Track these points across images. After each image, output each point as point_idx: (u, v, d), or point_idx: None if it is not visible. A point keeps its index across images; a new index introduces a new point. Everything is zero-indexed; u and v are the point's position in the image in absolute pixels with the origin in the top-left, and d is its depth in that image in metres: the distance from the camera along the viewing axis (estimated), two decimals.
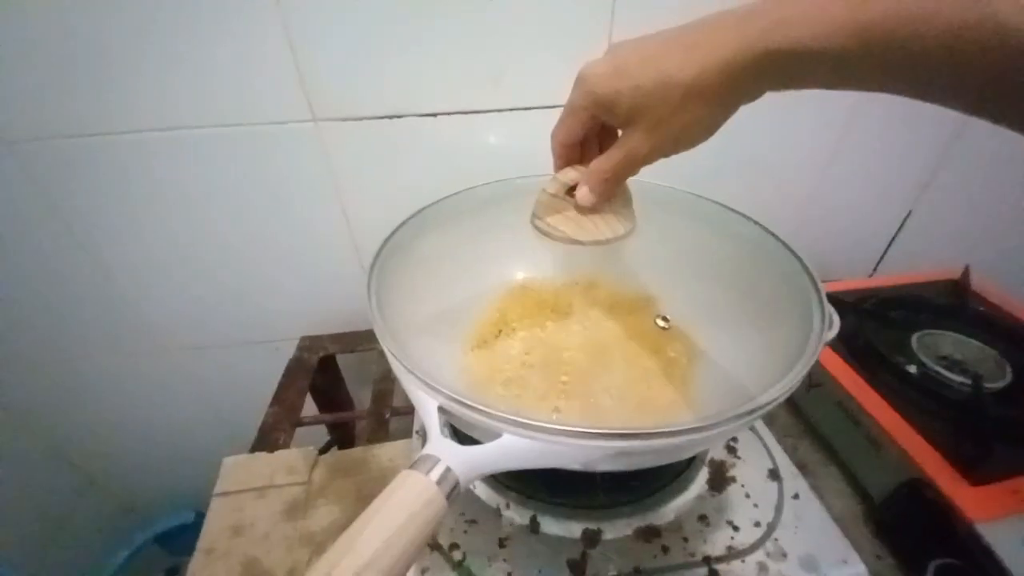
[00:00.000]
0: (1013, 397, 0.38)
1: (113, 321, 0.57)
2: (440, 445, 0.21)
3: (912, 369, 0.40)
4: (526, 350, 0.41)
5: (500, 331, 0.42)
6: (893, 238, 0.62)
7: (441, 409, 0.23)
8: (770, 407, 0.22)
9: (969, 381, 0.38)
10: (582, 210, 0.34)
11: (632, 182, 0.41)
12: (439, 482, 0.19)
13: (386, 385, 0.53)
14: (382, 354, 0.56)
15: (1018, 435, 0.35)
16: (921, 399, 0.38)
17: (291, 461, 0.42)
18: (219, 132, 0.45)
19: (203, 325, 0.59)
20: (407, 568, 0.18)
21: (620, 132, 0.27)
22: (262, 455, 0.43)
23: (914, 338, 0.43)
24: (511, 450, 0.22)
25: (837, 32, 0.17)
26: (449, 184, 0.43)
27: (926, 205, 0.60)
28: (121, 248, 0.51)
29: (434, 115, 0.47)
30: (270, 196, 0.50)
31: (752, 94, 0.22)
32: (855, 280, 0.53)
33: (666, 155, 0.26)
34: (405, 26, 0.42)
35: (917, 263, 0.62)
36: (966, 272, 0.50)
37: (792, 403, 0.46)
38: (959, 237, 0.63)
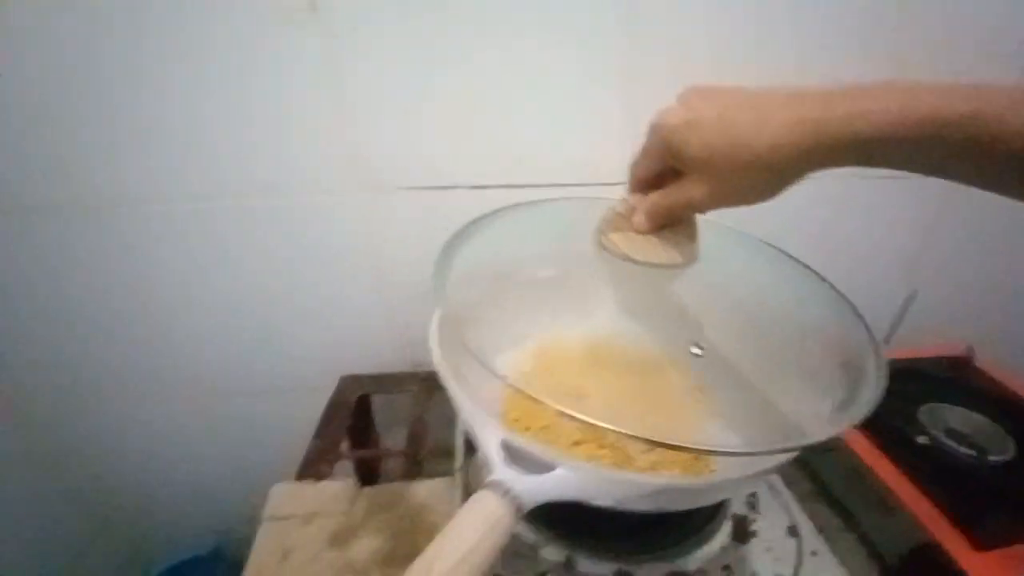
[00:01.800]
0: (1017, 470, 0.40)
1: (151, 367, 0.61)
2: (505, 473, 0.25)
3: (922, 440, 0.43)
4: (559, 399, 0.44)
5: (533, 381, 0.46)
6: (900, 316, 0.66)
7: (503, 443, 0.27)
8: (817, 442, 0.24)
9: (975, 453, 0.40)
10: (643, 234, 0.34)
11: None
12: (508, 503, 0.23)
13: (419, 427, 0.56)
14: (415, 396, 0.60)
15: (1021, 505, 0.37)
16: (930, 468, 0.40)
17: (335, 491, 0.45)
18: (267, 201, 0.52)
19: (233, 372, 0.64)
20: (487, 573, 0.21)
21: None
22: (308, 484, 0.46)
23: (922, 410, 0.46)
24: (565, 482, 0.25)
25: (917, 125, 0.20)
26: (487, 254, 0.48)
27: (930, 285, 0.64)
28: (172, 301, 0.57)
29: (482, 187, 0.54)
30: (316, 256, 0.56)
31: (815, 170, 0.24)
32: None
33: (720, 207, 0.28)
34: (447, 102, 0.49)
35: (925, 340, 0.65)
36: (969, 349, 0.53)
37: (810, 468, 0.48)
38: (964, 317, 0.66)
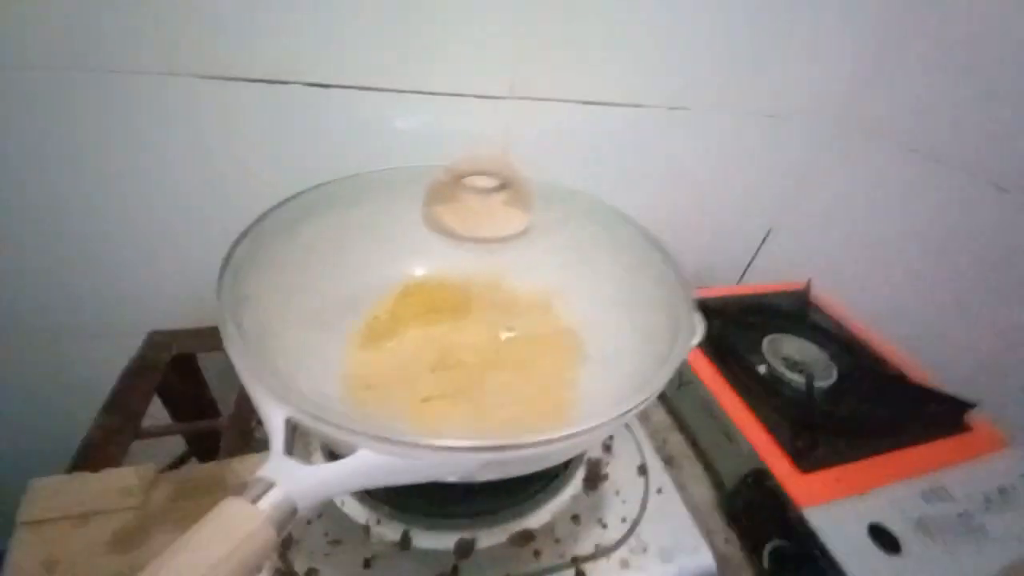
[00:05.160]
0: (837, 395, 0.44)
1: None
2: (277, 466, 0.19)
3: (762, 369, 0.45)
4: (417, 349, 0.39)
5: (391, 329, 0.39)
6: (757, 251, 0.69)
7: (290, 422, 0.21)
8: (627, 416, 0.22)
9: (803, 380, 0.43)
10: (472, 204, 0.33)
11: (539, 183, 0.40)
12: (269, 510, 0.17)
13: None
14: None
15: (841, 427, 0.40)
16: (767, 396, 0.42)
17: (122, 481, 0.36)
18: (58, 75, 0.37)
19: (24, 307, 0.48)
20: None
21: None
22: (83, 475, 0.36)
23: (765, 341, 0.48)
24: (367, 466, 0.20)
25: None
26: (340, 168, 0.39)
27: (785, 225, 0.68)
28: None
29: (325, 86, 0.43)
30: (122, 156, 0.42)
31: None
32: (724, 287, 0.58)
33: None
34: None
35: (780, 274, 0.70)
36: (808, 284, 0.57)
37: (665, 399, 0.49)
38: (813, 254, 0.72)
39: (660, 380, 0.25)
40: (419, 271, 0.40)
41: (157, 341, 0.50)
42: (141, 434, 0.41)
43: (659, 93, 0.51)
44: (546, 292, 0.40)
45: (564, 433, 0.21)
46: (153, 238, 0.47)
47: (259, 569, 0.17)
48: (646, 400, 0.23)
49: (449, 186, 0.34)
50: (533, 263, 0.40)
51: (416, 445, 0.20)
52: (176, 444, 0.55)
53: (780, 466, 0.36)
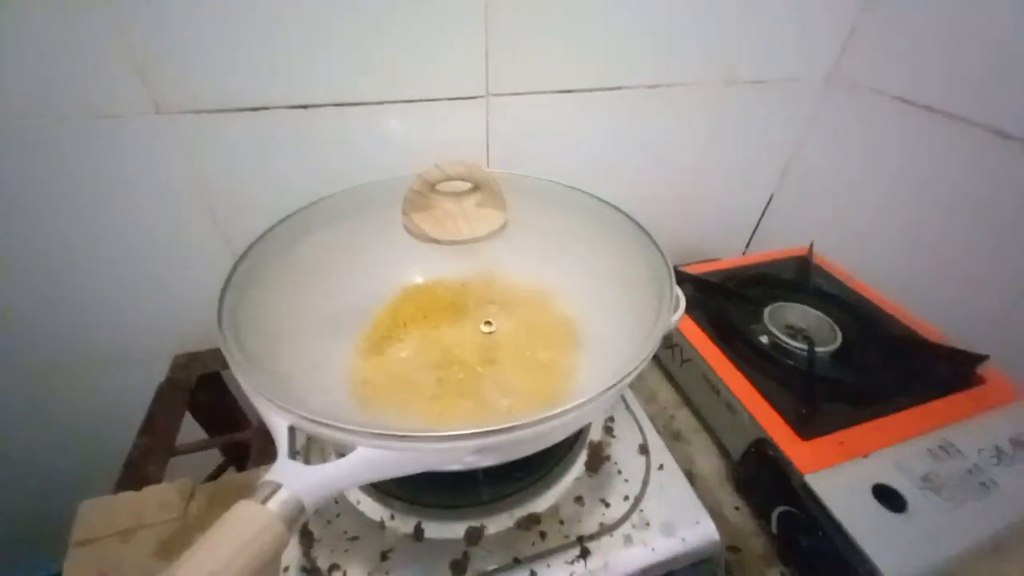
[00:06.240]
0: (841, 359, 0.44)
1: None
2: (284, 469, 0.21)
3: (764, 339, 0.45)
4: (419, 351, 0.41)
5: (392, 333, 0.41)
6: (759, 220, 0.69)
7: (293, 429, 0.23)
8: (603, 396, 0.23)
9: (805, 347, 0.43)
10: (448, 208, 0.34)
11: (512, 177, 0.42)
12: (277, 509, 0.19)
13: None
14: None
15: (843, 392, 0.40)
16: (768, 366, 0.43)
17: (163, 496, 0.39)
18: (46, 123, 0.39)
19: (57, 342, 0.52)
20: None
21: None
22: (127, 494, 0.39)
23: (766, 311, 0.48)
24: (366, 462, 0.21)
25: None
26: (331, 182, 0.41)
27: (786, 190, 0.67)
28: None
29: (305, 107, 0.45)
30: (123, 195, 0.45)
31: None
32: (726, 260, 0.58)
33: None
34: (265, 6, 0.39)
35: (784, 242, 0.69)
36: (810, 248, 0.57)
37: (670, 377, 0.50)
38: (816, 219, 0.71)
39: (637, 360, 0.25)
40: (417, 277, 0.42)
41: (181, 363, 0.53)
42: (176, 451, 0.44)
43: (636, 73, 0.51)
44: (538, 284, 0.42)
45: (543, 415, 0.22)
46: (163, 269, 0.50)
47: (273, 560, 0.19)
48: (622, 380, 0.24)
49: (423, 194, 0.35)
50: (523, 258, 0.42)
51: (404, 438, 0.21)
52: (215, 456, 0.59)
53: (781, 435, 0.37)
